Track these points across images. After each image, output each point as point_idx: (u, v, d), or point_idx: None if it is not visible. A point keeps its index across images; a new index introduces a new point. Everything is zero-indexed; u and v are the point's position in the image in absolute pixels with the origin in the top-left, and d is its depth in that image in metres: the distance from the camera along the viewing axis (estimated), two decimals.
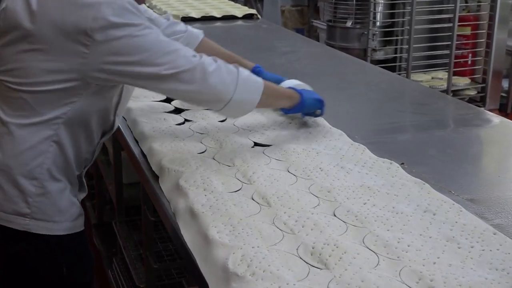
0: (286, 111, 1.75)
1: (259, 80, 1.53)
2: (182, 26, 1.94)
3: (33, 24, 1.34)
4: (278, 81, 1.82)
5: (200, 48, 1.89)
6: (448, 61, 4.01)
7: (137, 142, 1.74)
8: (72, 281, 1.54)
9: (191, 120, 1.85)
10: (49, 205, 1.45)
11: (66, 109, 1.40)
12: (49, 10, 1.34)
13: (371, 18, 4.22)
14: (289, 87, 1.72)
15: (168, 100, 2.03)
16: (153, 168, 1.55)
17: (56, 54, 1.34)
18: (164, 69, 1.37)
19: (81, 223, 1.54)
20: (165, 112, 1.94)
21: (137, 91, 2.12)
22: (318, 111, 1.76)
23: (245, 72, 1.50)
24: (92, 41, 1.32)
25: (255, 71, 1.85)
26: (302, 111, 1.75)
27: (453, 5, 3.93)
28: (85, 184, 1.62)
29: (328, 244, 1.15)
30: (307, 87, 1.81)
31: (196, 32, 1.96)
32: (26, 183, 1.41)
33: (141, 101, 2.02)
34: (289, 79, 1.85)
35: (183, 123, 1.84)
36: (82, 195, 1.62)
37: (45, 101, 1.39)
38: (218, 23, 3.72)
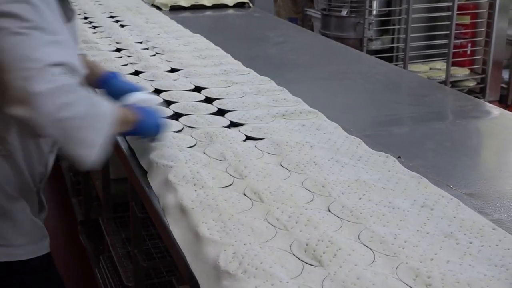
0: (122, 133, 1.52)
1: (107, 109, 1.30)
2: None
3: None
4: (128, 92, 1.61)
5: None
6: (446, 51, 4.00)
7: (124, 136, 1.70)
8: None
9: (180, 113, 1.82)
10: (8, 227, 1.35)
11: (5, 119, 1.29)
12: None
13: (367, 7, 4.20)
14: (129, 104, 1.51)
15: (156, 92, 2.00)
16: (141, 163, 1.53)
17: None
18: (17, 78, 1.16)
19: (46, 245, 1.45)
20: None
21: None
22: (155, 136, 1.53)
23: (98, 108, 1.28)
24: None
25: (108, 78, 1.66)
26: (138, 134, 1.52)
27: None
28: (45, 202, 1.51)
29: (322, 241, 1.13)
30: (155, 102, 1.63)
31: None
32: None
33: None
34: (141, 89, 1.66)
35: (172, 116, 1.80)
36: (43, 215, 1.51)
37: None
38: (208, 12, 3.69)
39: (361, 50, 4.05)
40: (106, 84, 1.64)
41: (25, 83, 1.15)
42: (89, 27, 3.05)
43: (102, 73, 1.69)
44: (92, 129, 1.24)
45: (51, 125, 1.18)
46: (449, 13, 3.95)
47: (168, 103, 1.91)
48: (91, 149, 1.25)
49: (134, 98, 1.57)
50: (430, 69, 4.21)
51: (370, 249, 1.12)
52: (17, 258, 1.37)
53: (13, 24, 1.18)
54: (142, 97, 1.59)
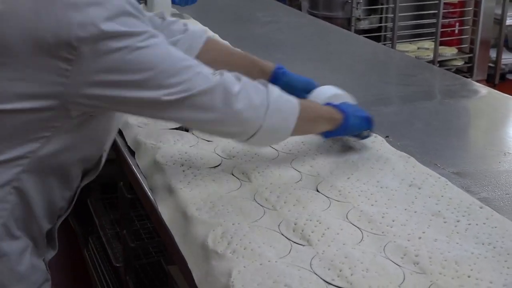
0: (326, 134, 1.36)
1: (294, 100, 1.23)
2: (179, 24, 1.49)
3: None
4: (308, 86, 1.49)
5: (205, 51, 1.48)
6: (434, 31, 3.99)
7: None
8: None
9: None
10: (4, 271, 1.15)
11: (34, 146, 1.09)
12: (19, 11, 1.02)
13: None
14: (328, 104, 1.37)
15: None
16: (129, 143, 1.52)
17: (28, 72, 1.02)
18: (174, 93, 1.08)
19: None
20: None
21: None
22: (366, 132, 1.41)
23: (275, 91, 1.20)
24: (78, 55, 1.00)
25: (278, 73, 1.51)
26: (346, 133, 1.38)
27: None
28: (57, 240, 1.30)
29: (310, 220, 1.13)
30: (347, 97, 1.47)
31: (199, 31, 1.52)
32: None
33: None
34: (320, 84, 1.49)
35: None
36: (51, 254, 1.31)
37: (6, 134, 1.07)
38: None
39: (349, 29, 4.03)
40: (280, 82, 1.43)
41: (186, 94, 1.09)
42: None
43: (270, 68, 1.52)
44: (280, 118, 1.19)
45: (231, 119, 1.15)
46: None
47: None
48: (281, 137, 1.25)
49: (323, 93, 1.44)
50: (418, 48, 4.20)
51: (358, 228, 1.12)
52: None
53: (130, 41, 1.04)
54: (331, 92, 1.45)
